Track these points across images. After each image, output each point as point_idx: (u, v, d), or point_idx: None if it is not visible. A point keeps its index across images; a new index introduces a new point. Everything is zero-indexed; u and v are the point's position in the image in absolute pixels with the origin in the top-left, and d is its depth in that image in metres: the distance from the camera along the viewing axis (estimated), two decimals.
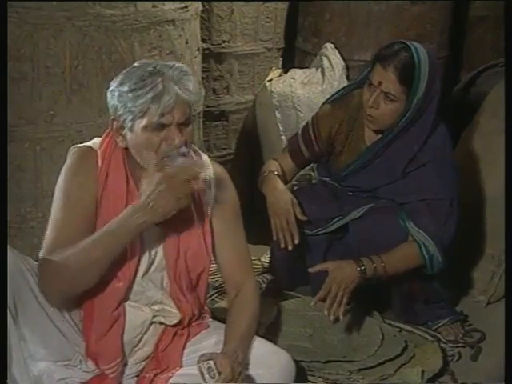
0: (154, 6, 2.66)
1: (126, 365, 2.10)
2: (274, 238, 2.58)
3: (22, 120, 2.54)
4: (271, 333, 2.42)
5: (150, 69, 1.96)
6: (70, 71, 2.54)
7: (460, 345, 2.64)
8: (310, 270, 2.51)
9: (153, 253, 2.09)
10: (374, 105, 2.50)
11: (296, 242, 2.55)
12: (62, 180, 2.04)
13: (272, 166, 2.71)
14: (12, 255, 1.95)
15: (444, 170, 2.57)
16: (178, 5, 2.76)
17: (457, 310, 2.80)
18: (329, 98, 2.80)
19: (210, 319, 2.24)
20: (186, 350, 2.13)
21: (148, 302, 2.10)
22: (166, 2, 2.71)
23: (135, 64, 2.02)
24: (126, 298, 2.07)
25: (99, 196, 2.02)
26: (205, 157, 2.18)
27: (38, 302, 1.97)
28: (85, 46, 2.53)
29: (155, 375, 2.09)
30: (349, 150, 2.67)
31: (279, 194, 2.59)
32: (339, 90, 2.80)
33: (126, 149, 2.04)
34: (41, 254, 1.96)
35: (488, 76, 3.64)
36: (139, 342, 2.11)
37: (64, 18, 2.49)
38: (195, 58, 2.99)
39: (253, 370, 2.06)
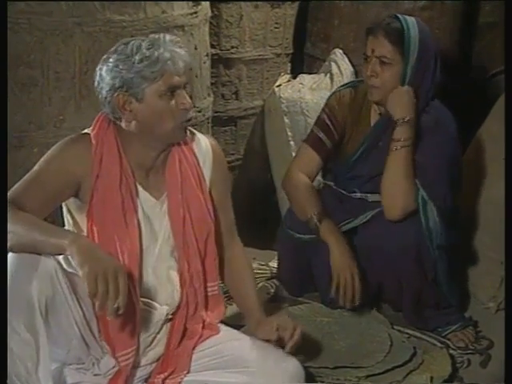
0: (163, 12, 2.67)
1: (137, 367, 2.11)
2: (333, 294, 2.54)
3: (32, 125, 2.55)
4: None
5: (148, 40, 2.02)
6: (79, 76, 2.55)
7: (469, 351, 2.63)
8: None
9: (157, 224, 2.13)
10: (373, 73, 2.54)
11: (357, 303, 2.54)
12: (55, 148, 2.07)
13: (305, 181, 2.68)
14: (52, 260, 1.93)
15: (441, 140, 2.55)
16: (187, 10, 2.77)
17: (466, 317, 2.78)
18: (333, 92, 2.80)
19: (221, 324, 2.24)
20: (194, 355, 2.13)
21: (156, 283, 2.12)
22: (175, 8, 2.72)
23: (123, 41, 2.04)
24: (134, 274, 2.06)
25: (94, 177, 2.04)
26: (198, 134, 2.23)
27: (69, 306, 1.97)
28: (94, 51, 2.54)
29: (163, 380, 2.09)
30: (356, 137, 2.68)
31: (344, 248, 2.55)
32: (344, 84, 2.83)
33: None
34: (8, 194, 1.97)
35: (497, 81, 3.63)
36: (152, 341, 2.12)
37: (74, 24, 2.50)
38: (204, 63, 3.00)
39: (261, 377, 2.05)
